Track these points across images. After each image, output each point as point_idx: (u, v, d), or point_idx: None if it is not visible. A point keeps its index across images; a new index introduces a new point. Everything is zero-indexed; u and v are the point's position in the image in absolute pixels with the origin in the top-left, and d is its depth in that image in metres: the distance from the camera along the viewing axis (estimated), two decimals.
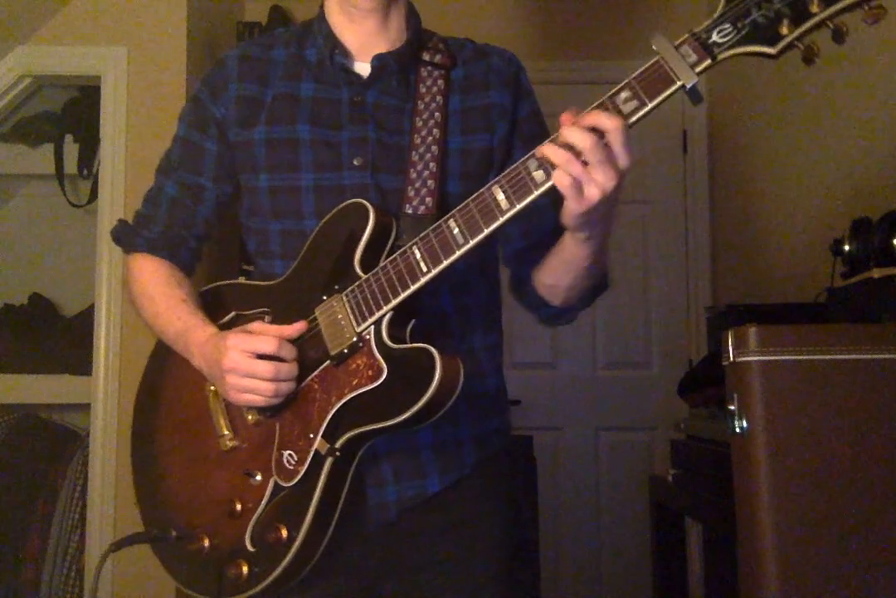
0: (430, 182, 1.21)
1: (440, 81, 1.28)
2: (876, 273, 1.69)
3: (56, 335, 2.98)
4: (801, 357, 1.29)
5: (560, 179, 0.99)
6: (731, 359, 1.33)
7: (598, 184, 0.98)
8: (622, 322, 3.28)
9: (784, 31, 0.91)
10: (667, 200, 3.32)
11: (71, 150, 2.99)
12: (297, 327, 1.15)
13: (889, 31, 2.13)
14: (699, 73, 0.95)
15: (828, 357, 1.29)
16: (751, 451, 1.28)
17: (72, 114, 3.03)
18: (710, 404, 1.96)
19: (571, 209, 1.02)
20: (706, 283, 3.27)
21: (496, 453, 1.32)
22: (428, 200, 1.20)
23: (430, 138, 1.24)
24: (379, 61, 1.27)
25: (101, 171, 2.71)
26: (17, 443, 2.86)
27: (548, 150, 0.99)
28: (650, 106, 0.97)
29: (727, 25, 0.93)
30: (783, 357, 1.29)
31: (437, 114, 1.25)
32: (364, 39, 1.29)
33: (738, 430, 1.31)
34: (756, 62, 1.00)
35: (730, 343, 1.33)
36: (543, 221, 1.26)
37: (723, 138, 3.23)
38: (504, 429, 1.35)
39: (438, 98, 1.26)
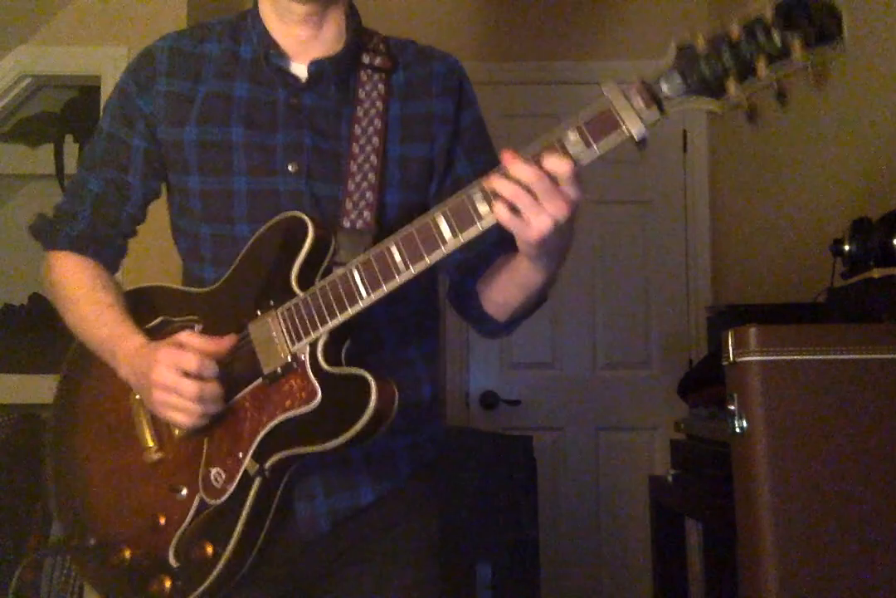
0: (368, 194, 1.18)
1: (380, 86, 1.23)
2: (876, 273, 1.69)
3: (56, 335, 2.97)
4: (801, 357, 1.29)
5: (502, 214, 0.96)
6: (731, 359, 1.33)
7: (549, 215, 0.95)
8: (622, 322, 3.28)
9: (730, 89, 0.91)
10: (667, 200, 3.32)
11: (71, 150, 3.00)
12: (225, 342, 1.12)
13: (890, 32, 2.13)
14: (649, 126, 0.93)
15: (828, 357, 1.29)
16: (751, 451, 1.28)
17: (72, 114, 3.03)
18: (710, 404, 1.96)
19: (522, 241, 1.00)
20: (706, 283, 3.27)
21: (431, 460, 1.29)
22: (366, 213, 1.17)
23: (370, 147, 1.20)
24: (316, 67, 1.22)
25: None
26: (17, 443, 2.86)
27: (496, 183, 0.96)
28: (598, 153, 0.95)
29: (676, 78, 0.92)
30: (783, 357, 1.29)
31: (376, 120, 1.21)
32: (300, 41, 1.24)
33: (738, 430, 1.31)
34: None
35: (730, 343, 1.33)
36: (486, 232, 1.21)
37: (723, 138, 3.23)
38: (438, 436, 1.31)
39: (378, 104, 1.22)
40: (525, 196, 0.95)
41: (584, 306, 3.26)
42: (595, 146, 0.95)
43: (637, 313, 3.30)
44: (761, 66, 0.89)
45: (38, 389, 2.83)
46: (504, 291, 1.19)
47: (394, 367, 1.20)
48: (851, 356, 1.29)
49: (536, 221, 0.96)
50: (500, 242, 1.16)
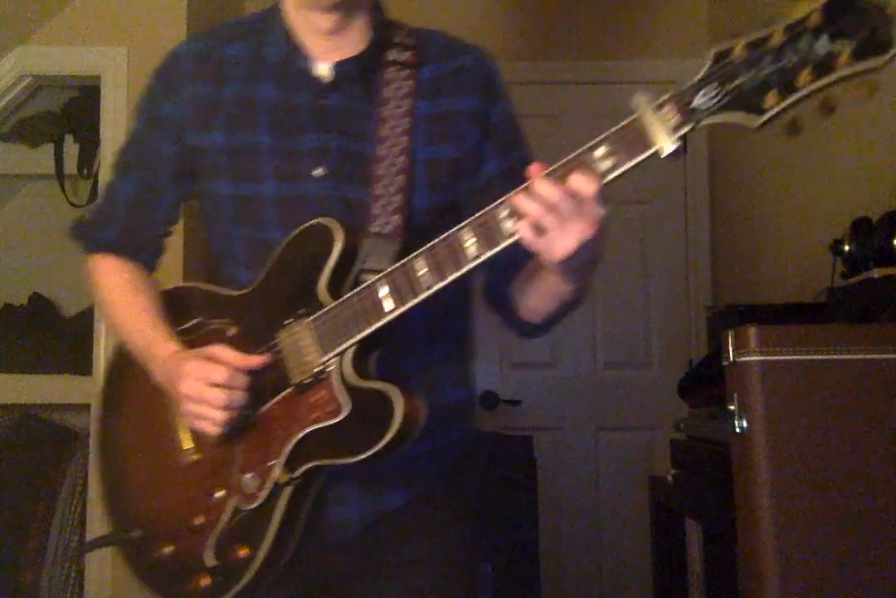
0: (396, 198, 1.16)
1: (407, 83, 1.20)
2: (876, 273, 1.69)
3: (56, 335, 2.98)
4: (801, 357, 1.29)
5: (526, 234, 0.96)
6: (731, 359, 1.33)
7: (573, 235, 0.94)
8: (622, 322, 3.28)
9: (770, 102, 0.84)
10: (667, 200, 3.32)
11: (71, 150, 2.99)
12: (257, 361, 1.12)
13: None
14: (678, 139, 0.90)
15: (828, 357, 1.29)
16: (751, 451, 1.28)
17: (72, 114, 3.03)
18: (710, 404, 1.96)
19: (546, 261, 0.99)
20: (706, 283, 3.27)
21: (459, 461, 1.29)
22: (395, 218, 1.15)
23: (397, 149, 1.17)
24: (340, 68, 1.20)
25: (101, 171, 2.71)
26: (17, 443, 2.86)
27: (520, 201, 0.95)
28: (627, 167, 0.92)
29: (712, 88, 0.87)
30: (783, 357, 1.29)
31: (403, 120, 1.18)
32: (323, 40, 1.21)
33: (738, 430, 1.31)
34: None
35: (730, 343, 1.33)
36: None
37: (723, 138, 3.23)
38: (465, 438, 1.30)
39: (405, 102, 1.19)
40: (549, 216, 0.93)
41: (584, 306, 3.25)
42: (623, 164, 0.92)
43: (637, 313, 3.30)
44: (804, 78, 0.81)
45: (38, 389, 2.84)
46: (535, 299, 1.19)
47: (422, 368, 1.21)
48: (851, 356, 1.29)
49: (560, 241, 0.94)
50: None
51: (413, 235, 1.11)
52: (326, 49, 1.21)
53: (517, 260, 1.19)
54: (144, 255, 1.33)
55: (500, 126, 1.26)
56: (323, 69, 1.21)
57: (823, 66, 0.80)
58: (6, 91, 2.77)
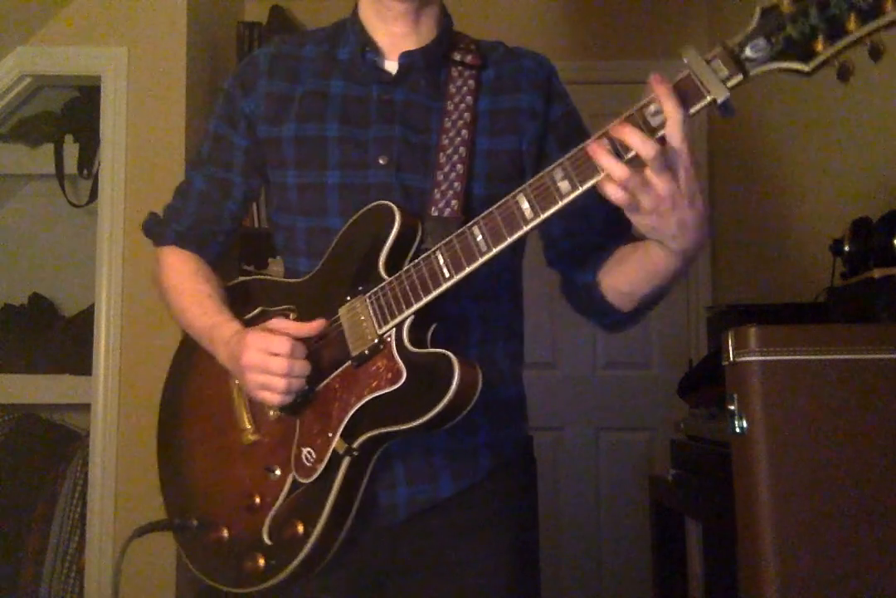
0: (456, 184, 1.21)
1: (470, 82, 1.27)
2: (876, 273, 1.69)
3: (56, 335, 2.98)
4: (801, 357, 1.29)
5: (613, 192, 0.96)
6: (731, 359, 1.33)
7: (651, 188, 0.95)
8: None
9: (819, 47, 0.88)
10: None
11: (71, 150, 3.00)
12: (314, 325, 1.17)
13: (888, 32, 2.13)
14: (731, 89, 0.92)
15: (828, 357, 1.29)
16: (751, 451, 1.28)
17: (72, 114, 3.03)
18: (710, 404, 1.96)
19: (636, 222, 1.00)
20: (706, 283, 3.27)
21: (512, 460, 1.31)
22: (454, 202, 1.20)
23: (459, 139, 1.23)
24: (406, 58, 1.27)
25: (101, 171, 2.71)
26: (17, 443, 2.86)
27: (598, 153, 0.96)
28: (686, 116, 0.94)
29: (760, 40, 0.90)
30: (783, 357, 1.29)
31: (466, 114, 1.24)
32: (395, 39, 1.29)
33: (738, 430, 1.31)
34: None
35: (730, 343, 1.33)
36: (590, 220, 1.24)
37: (723, 138, 3.23)
38: (522, 436, 1.34)
39: (468, 98, 1.25)
40: (621, 166, 0.94)
41: None
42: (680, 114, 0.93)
43: None
44: (852, 24, 0.85)
45: (38, 389, 2.84)
46: (631, 279, 1.19)
47: (482, 361, 1.21)
48: (851, 356, 1.29)
49: (643, 197, 0.95)
50: (607, 230, 1.16)
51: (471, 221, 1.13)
52: (397, 45, 1.28)
53: (599, 246, 1.22)
54: (208, 250, 1.38)
55: (560, 124, 1.31)
56: (391, 64, 1.28)
57: (870, 11, 0.84)
58: (6, 91, 2.77)
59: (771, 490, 1.26)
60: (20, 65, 2.73)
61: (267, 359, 1.13)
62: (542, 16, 3.37)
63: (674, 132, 0.94)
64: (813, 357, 1.29)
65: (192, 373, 1.37)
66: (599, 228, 1.20)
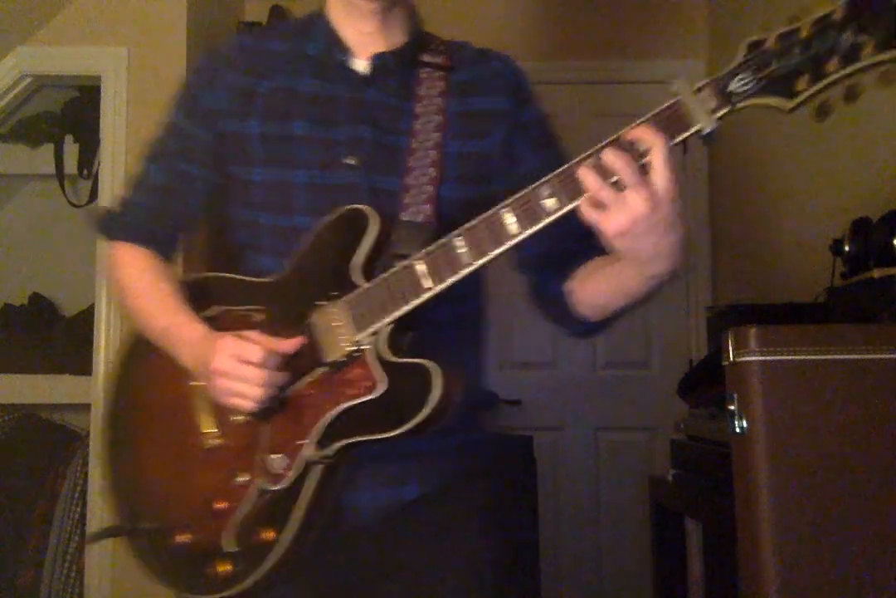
0: (427, 188, 1.20)
1: (440, 84, 1.26)
2: (876, 273, 1.69)
3: (56, 335, 2.98)
4: (801, 357, 1.29)
5: (588, 213, 0.98)
6: (731, 359, 1.33)
7: (628, 209, 0.96)
8: (622, 322, 3.27)
9: (801, 86, 0.91)
10: None
11: (71, 150, 3.00)
12: (293, 343, 1.13)
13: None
14: (718, 120, 0.95)
15: (828, 357, 1.29)
16: (751, 451, 1.28)
17: (72, 114, 3.03)
18: (710, 404, 1.96)
19: (608, 242, 1.00)
20: (706, 283, 3.27)
21: (482, 461, 1.29)
22: (426, 207, 1.18)
23: (429, 142, 1.22)
24: (378, 60, 1.25)
25: (101, 171, 2.71)
26: (17, 443, 2.86)
27: (583, 173, 0.98)
28: (669, 146, 0.97)
29: (747, 74, 0.94)
30: (783, 357, 1.29)
31: (436, 117, 1.23)
32: (364, 38, 1.27)
33: (738, 430, 1.31)
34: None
35: (730, 343, 1.33)
36: (564, 226, 1.18)
37: (723, 138, 3.22)
38: (491, 438, 1.33)
39: (438, 100, 1.24)
40: (605, 189, 0.96)
41: None
42: (666, 143, 0.96)
43: (637, 313, 3.27)
44: (831, 66, 0.89)
45: (38, 389, 2.84)
46: (605, 294, 1.20)
47: (459, 370, 1.21)
48: (851, 356, 1.29)
49: (615, 215, 0.96)
50: (581, 238, 1.15)
51: (443, 226, 1.12)
52: (365, 44, 1.26)
53: (574, 254, 1.21)
54: (162, 246, 1.33)
55: (531, 127, 1.30)
56: (361, 64, 1.26)
57: (849, 56, 0.88)
58: (6, 91, 2.77)
59: (771, 490, 1.26)
60: (20, 65, 2.73)
61: (239, 366, 1.10)
62: (524, 14, 3.37)
63: (657, 159, 0.96)
64: (813, 357, 1.29)
65: (145, 373, 1.31)
66: (574, 234, 1.15)
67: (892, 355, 1.29)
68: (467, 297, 1.27)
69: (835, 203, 2.35)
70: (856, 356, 1.29)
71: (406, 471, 1.21)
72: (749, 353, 1.30)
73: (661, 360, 3.28)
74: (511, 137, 1.27)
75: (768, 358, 1.29)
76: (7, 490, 2.78)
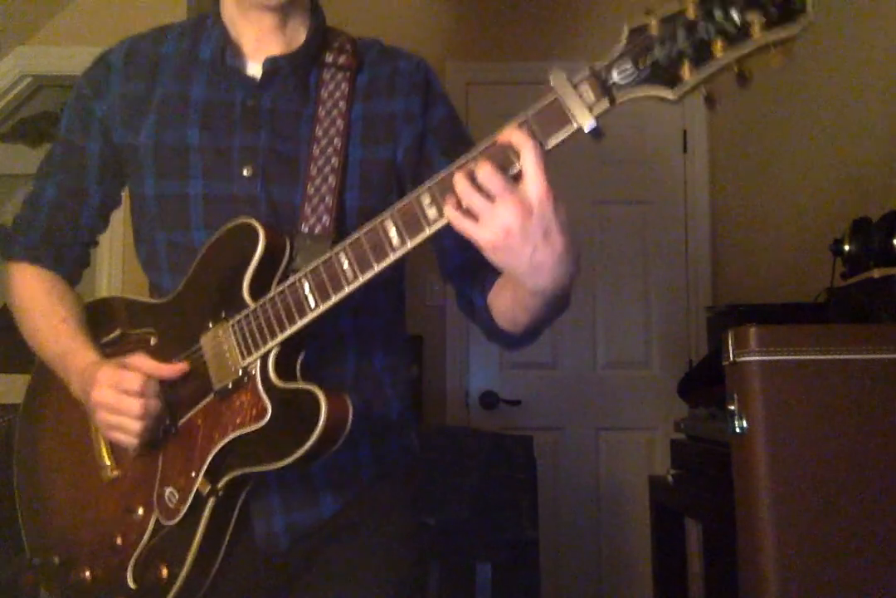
0: (327, 198, 1.12)
1: (343, 85, 1.17)
2: (876, 273, 1.69)
3: None
4: (801, 357, 1.29)
5: (451, 214, 0.90)
6: (731, 359, 1.33)
7: (500, 219, 0.87)
8: (622, 322, 3.28)
9: (685, 73, 0.82)
10: (667, 200, 3.32)
11: None
12: (175, 369, 1.08)
13: (886, 33, 2.13)
14: (598, 117, 0.86)
15: (828, 357, 1.29)
16: (751, 451, 1.28)
17: None
18: (710, 404, 1.96)
19: (488, 257, 0.91)
20: (706, 283, 3.27)
21: (397, 468, 1.23)
22: (325, 218, 1.11)
23: (330, 149, 1.14)
24: (270, 64, 1.16)
25: None
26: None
27: (455, 180, 0.90)
28: (549, 146, 0.88)
29: (628, 64, 0.84)
30: (783, 357, 1.29)
31: (338, 121, 1.15)
32: (259, 38, 1.18)
33: (738, 430, 1.31)
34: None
35: (730, 343, 1.33)
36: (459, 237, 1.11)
37: (723, 138, 3.23)
38: (408, 446, 1.25)
39: (341, 104, 1.16)
40: (476, 196, 0.88)
41: (584, 306, 3.26)
42: (543, 140, 0.88)
43: (637, 313, 3.29)
44: (718, 48, 0.80)
45: None
46: (512, 309, 1.11)
47: (358, 380, 1.17)
48: (851, 356, 1.29)
49: (486, 227, 0.89)
50: None
51: (344, 237, 1.03)
52: (260, 48, 1.18)
53: (485, 267, 1.07)
54: (66, 264, 1.26)
55: (442, 128, 1.22)
56: (255, 68, 1.18)
57: (737, 36, 0.80)
58: (6, 91, 2.78)
59: (771, 490, 1.26)
60: (20, 65, 2.73)
61: (119, 398, 1.04)
62: (448, 14, 3.37)
63: (528, 165, 0.87)
64: (813, 357, 1.29)
65: (51, 396, 1.25)
66: None
67: (892, 355, 1.29)
68: (375, 306, 1.20)
69: (835, 203, 2.35)
70: (856, 356, 1.29)
71: (319, 489, 1.15)
72: (749, 353, 1.30)
73: (661, 360, 3.28)
74: (421, 140, 1.19)
75: (768, 358, 1.29)
76: (7, 491, 2.78)
